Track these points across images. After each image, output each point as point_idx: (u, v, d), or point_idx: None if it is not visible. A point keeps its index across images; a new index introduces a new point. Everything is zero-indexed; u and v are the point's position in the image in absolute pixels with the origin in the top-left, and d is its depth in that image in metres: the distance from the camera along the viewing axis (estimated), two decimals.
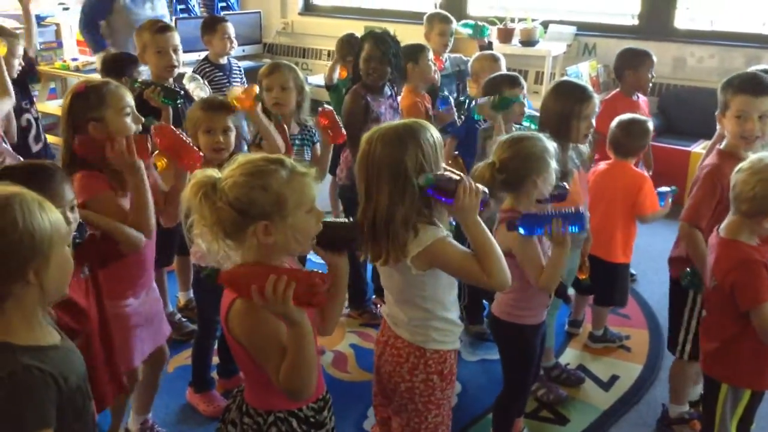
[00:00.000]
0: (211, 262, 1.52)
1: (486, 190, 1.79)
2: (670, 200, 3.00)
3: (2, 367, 1.24)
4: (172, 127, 2.47)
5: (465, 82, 4.34)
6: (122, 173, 2.13)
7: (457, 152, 3.44)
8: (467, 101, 3.54)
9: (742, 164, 2.12)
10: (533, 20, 5.54)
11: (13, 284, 1.28)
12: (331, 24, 6.49)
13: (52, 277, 1.33)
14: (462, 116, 3.51)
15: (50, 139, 4.45)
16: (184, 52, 4.77)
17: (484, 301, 3.35)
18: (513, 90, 3.09)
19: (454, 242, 1.84)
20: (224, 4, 6.84)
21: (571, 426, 2.82)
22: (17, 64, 3.38)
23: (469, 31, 5.32)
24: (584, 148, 2.76)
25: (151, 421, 2.64)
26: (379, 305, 3.41)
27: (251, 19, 6.86)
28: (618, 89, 3.91)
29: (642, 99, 3.88)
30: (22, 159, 3.02)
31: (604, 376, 3.13)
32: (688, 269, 2.46)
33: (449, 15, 4.45)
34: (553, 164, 2.23)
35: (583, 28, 5.66)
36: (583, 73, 5.11)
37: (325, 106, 2.96)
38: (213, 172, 1.53)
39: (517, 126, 3.04)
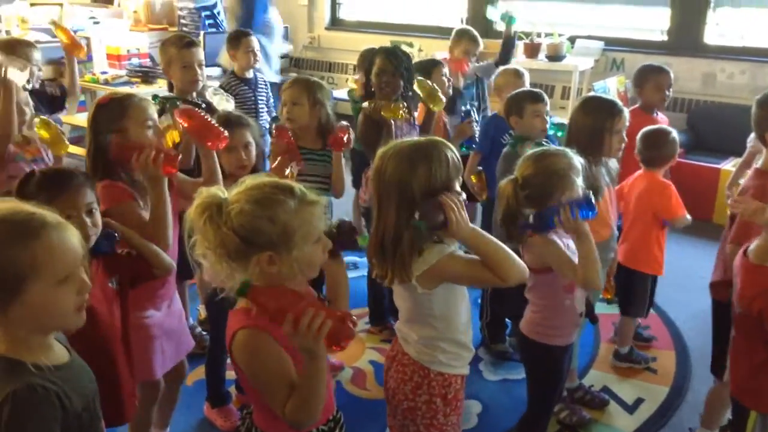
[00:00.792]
0: (216, 283, 1.49)
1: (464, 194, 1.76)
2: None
3: (6, 384, 1.23)
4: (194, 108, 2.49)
5: (484, 89, 4.32)
6: (144, 184, 2.13)
7: (480, 167, 3.42)
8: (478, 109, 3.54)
9: None
10: (560, 35, 5.50)
11: None
12: (357, 38, 6.52)
13: (26, 314, 1.26)
14: (476, 122, 3.49)
15: (77, 150, 4.51)
16: (212, 65, 4.85)
17: (506, 319, 3.30)
18: (536, 106, 3.06)
19: (461, 254, 1.81)
20: None
21: None
22: (36, 71, 3.41)
23: (497, 17, 5.20)
24: (614, 163, 2.72)
25: None
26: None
27: None
28: (637, 105, 3.87)
29: (660, 116, 3.82)
30: None
31: (629, 398, 3.05)
32: None
33: (479, 38, 4.43)
34: (579, 181, 2.18)
35: (611, 43, 5.61)
36: (611, 88, 5.06)
37: (282, 124, 2.93)
38: (219, 192, 1.49)
39: (541, 140, 2.99)
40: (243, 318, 1.48)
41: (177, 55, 3.23)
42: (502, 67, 4.00)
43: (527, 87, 3.50)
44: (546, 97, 3.15)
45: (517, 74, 3.71)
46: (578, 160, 2.21)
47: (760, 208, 2.09)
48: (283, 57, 6.90)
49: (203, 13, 6.51)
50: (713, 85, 5.25)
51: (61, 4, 6.75)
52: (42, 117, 2.78)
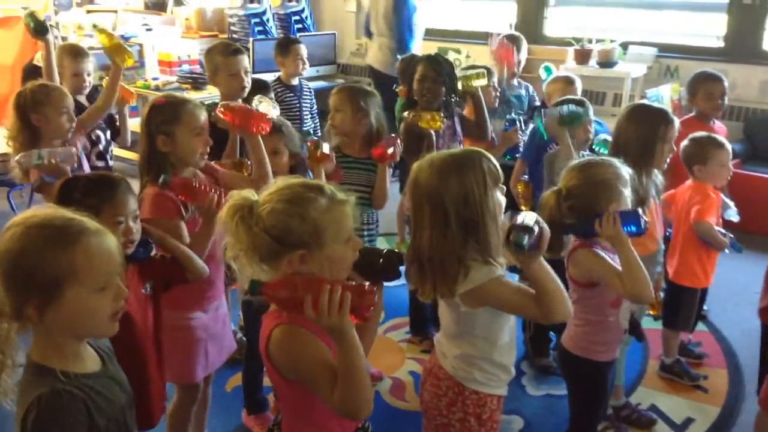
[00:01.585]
0: (246, 285, 1.49)
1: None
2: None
3: (34, 390, 1.24)
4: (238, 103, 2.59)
5: (533, 98, 4.25)
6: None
7: (526, 176, 3.35)
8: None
9: None
10: (612, 41, 5.39)
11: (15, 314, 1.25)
12: None
13: (61, 320, 1.27)
14: (522, 130, 3.43)
15: (127, 154, 4.60)
16: (261, 72, 4.88)
17: (550, 333, 3.22)
18: None
19: (509, 281, 1.75)
20: (300, 25, 6.94)
21: None
22: (87, 78, 3.52)
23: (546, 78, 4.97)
24: (660, 176, 2.63)
25: None
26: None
27: (326, 40, 6.95)
28: (692, 114, 3.74)
29: (717, 124, 3.69)
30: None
31: (677, 417, 2.93)
32: None
33: (525, 44, 4.33)
34: (627, 192, 2.11)
35: (665, 49, 5.46)
36: (665, 96, 4.89)
37: (312, 137, 2.95)
38: (250, 194, 1.49)
39: (586, 153, 2.91)
40: (275, 318, 1.48)
41: (223, 62, 3.25)
42: (553, 75, 3.93)
43: (578, 95, 3.42)
44: (590, 105, 3.04)
45: (568, 81, 3.65)
46: (626, 170, 2.14)
47: None
48: (330, 63, 6.94)
49: (253, 20, 6.59)
50: None
51: (115, 11, 6.93)
52: (103, 28, 2.88)
